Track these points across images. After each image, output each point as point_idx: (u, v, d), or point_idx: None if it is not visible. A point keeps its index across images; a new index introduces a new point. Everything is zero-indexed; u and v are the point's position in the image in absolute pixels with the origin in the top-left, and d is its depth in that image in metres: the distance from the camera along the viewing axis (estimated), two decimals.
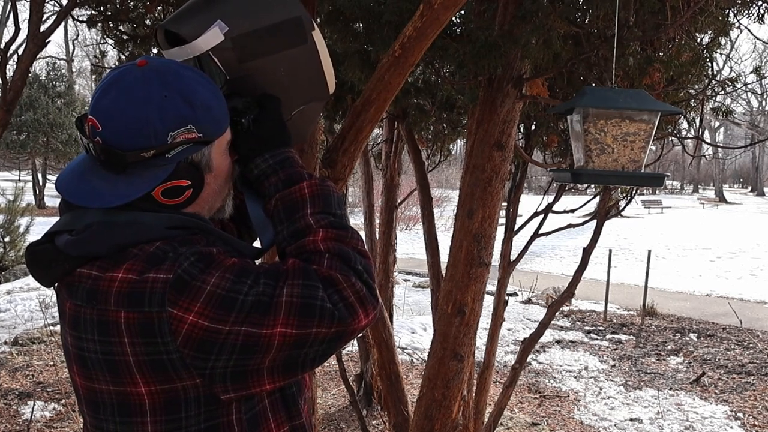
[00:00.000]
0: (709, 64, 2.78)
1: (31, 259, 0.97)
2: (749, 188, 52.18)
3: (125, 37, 2.49)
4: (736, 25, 2.74)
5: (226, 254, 0.93)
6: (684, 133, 3.31)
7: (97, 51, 3.24)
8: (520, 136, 3.71)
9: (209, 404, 0.92)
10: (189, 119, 0.92)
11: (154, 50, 2.85)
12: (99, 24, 2.27)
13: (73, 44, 32.04)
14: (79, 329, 0.92)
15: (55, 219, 1.01)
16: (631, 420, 5.20)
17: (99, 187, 0.93)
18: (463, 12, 2.83)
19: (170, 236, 0.93)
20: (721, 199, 38.68)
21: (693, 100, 3.02)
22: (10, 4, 2.00)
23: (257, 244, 1.11)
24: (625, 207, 3.82)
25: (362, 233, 5.39)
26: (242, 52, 0.88)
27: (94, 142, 0.92)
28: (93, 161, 0.94)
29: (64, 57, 31.43)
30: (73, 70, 32.47)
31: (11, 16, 2.02)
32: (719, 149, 34.21)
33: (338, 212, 1.01)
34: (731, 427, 5.05)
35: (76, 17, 2.30)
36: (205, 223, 0.99)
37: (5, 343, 6.58)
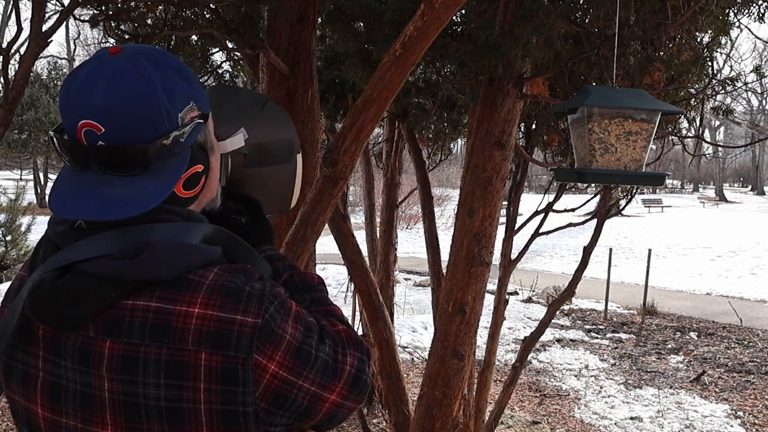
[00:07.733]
0: (710, 64, 2.78)
1: (50, 296, 0.79)
2: (749, 187, 52.14)
3: (127, 37, 2.49)
4: (737, 24, 2.75)
5: (286, 293, 0.87)
6: (684, 132, 3.31)
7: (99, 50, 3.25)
8: (521, 135, 3.72)
9: None
10: (189, 96, 0.86)
11: None
12: (100, 23, 2.27)
13: (74, 43, 32.04)
14: (134, 372, 0.78)
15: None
16: (632, 418, 5.21)
17: (124, 195, 0.81)
18: (463, 11, 2.83)
19: (216, 258, 0.85)
20: (722, 198, 38.67)
21: (693, 99, 3.03)
22: (12, 3, 2.01)
23: None
24: (625, 206, 3.83)
25: (363, 232, 5.41)
26: (250, 159, 1.00)
27: (96, 149, 0.81)
28: (96, 172, 0.82)
29: (66, 56, 31.43)
30: None
31: (13, 15, 2.03)
32: (719, 148, 34.23)
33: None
34: (731, 426, 5.06)
35: (77, 17, 2.31)
36: (231, 234, 0.91)
37: None
